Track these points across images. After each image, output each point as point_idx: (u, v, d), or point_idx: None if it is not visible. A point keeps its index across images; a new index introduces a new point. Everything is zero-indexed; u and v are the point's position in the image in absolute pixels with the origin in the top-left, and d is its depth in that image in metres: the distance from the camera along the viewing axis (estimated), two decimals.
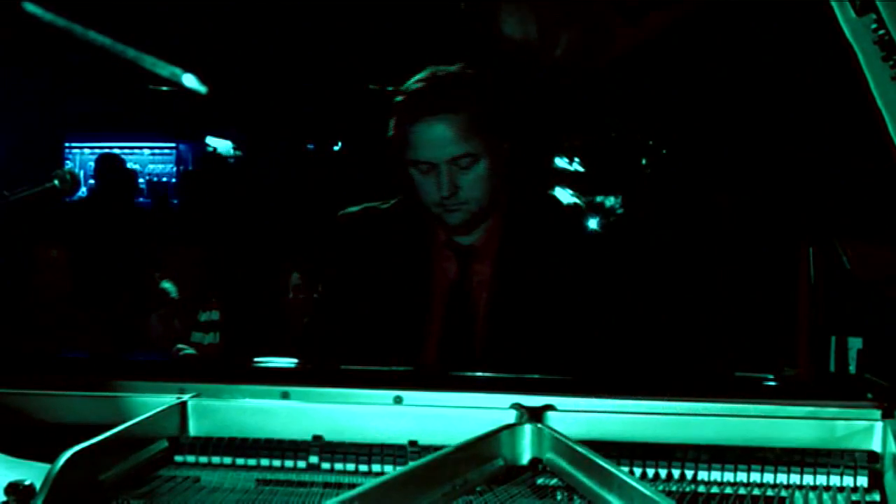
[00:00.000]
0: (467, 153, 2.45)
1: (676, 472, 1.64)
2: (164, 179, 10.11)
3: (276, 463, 1.72)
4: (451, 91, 2.49)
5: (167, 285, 4.64)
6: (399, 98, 2.55)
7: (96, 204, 6.98)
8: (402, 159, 2.52)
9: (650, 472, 1.65)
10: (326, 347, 2.58)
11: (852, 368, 2.90)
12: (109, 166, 7.28)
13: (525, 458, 1.65)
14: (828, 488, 1.59)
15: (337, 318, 2.61)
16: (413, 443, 1.72)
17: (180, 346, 4.37)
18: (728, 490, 1.60)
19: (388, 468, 1.68)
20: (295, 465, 1.71)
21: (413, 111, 2.48)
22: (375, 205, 2.66)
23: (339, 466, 1.70)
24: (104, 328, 4.54)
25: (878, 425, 1.68)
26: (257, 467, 1.71)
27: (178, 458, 1.73)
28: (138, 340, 4.53)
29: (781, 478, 1.62)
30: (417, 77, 2.56)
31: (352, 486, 1.57)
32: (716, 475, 1.63)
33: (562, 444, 1.62)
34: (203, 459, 1.72)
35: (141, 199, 9.99)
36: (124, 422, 1.66)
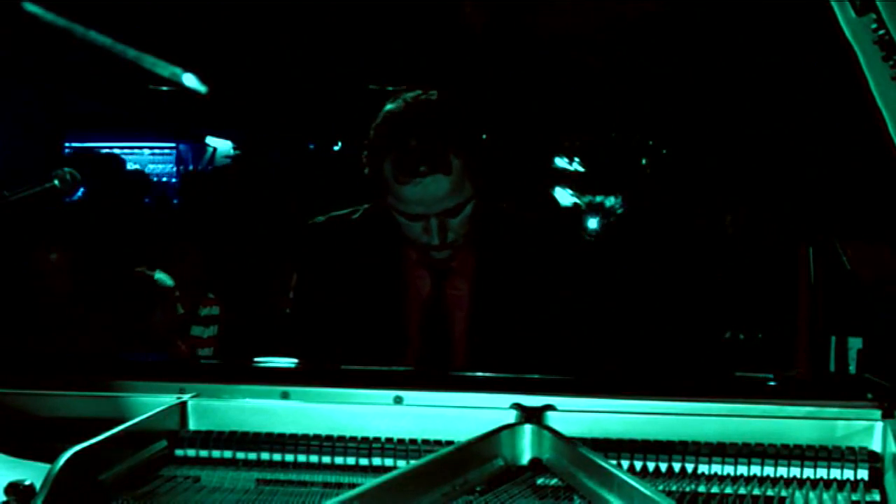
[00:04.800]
0: (459, 203, 2.32)
1: (677, 466, 1.64)
2: (164, 179, 10.13)
3: (277, 460, 1.71)
4: (442, 144, 2.27)
5: (160, 276, 4.64)
6: (377, 139, 2.33)
7: (96, 204, 6.98)
8: (382, 200, 2.37)
9: (650, 465, 1.65)
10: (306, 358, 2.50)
11: (852, 368, 2.90)
12: (107, 168, 7.26)
13: (525, 458, 1.65)
14: (828, 488, 1.59)
15: (310, 332, 2.50)
16: (413, 442, 1.73)
17: None
18: (728, 490, 1.60)
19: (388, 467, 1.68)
20: (295, 459, 1.71)
21: (401, 168, 2.27)
22: (343, 213, 2.50)
23: (339, 461, 1.70)
24: (106, 328, 4.55)
25: (878, 425, 1.68)
26: (257, 464, 1.71)
27: (179, 456, 1.73)
28: (142, 337, 4.54)
29: (781, 476, 1.63)
30: (393, 110, 2.33)
31: (352, 485, 1.57)
32: (716, 472, 1.64)
33: (562, 444, 1.62)
34: (203, 453, 1.72)
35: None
36: (124, 422, 1.66)
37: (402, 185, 2.28)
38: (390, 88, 2.45)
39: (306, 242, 2.55)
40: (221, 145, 10.49)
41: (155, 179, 10.27)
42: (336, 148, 9.18)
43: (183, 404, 1.80)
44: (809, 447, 1.64)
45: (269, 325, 4.55)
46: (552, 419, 1.72)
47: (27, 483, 1.44)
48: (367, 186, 2.40)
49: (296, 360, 2.20)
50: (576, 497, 1.57)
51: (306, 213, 2.59)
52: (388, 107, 2.36)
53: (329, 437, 1.73)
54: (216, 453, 1.72)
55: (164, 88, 8.13)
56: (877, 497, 1.58)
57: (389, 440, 1.72)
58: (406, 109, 2.33)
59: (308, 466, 1.71)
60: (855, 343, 2.91)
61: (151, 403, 1.77)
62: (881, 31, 1.58)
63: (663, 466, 1.65)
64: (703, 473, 1.64)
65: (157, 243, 5.29)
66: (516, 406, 1.75)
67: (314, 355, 2.46)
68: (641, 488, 1.44)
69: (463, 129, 2.35)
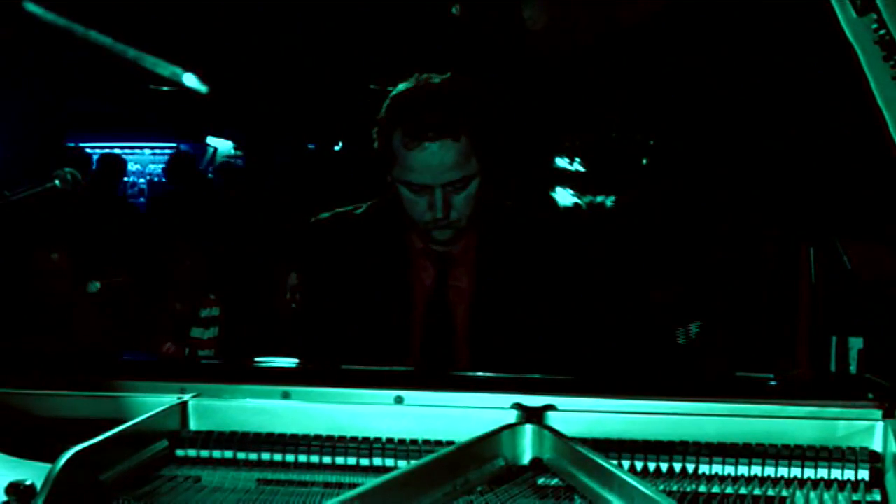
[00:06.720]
0: (464, 176, 2.38)
1: (678, 466, 1.65)
2: (165, 179, 10.10)
3: (278, 460, 1.72)
4: (452, 111, 2.36)
5: (92, 285, 4.67)
6: (388, 111, 2.42)
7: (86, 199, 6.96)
8: (388, 174, 2.43)
9: (651, 465, 1.65)
10: (313, 354, 2.51)
11: (853, 368, 2.90)
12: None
13: (526, 458, 1.65)
14: (828, 488, 1.59)
15: (317, 328, 2.53)
16: (414, 442, 1.73)
17: None
18: (729, 490, 1.60)
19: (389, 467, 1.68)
20: (296, 459, 1.71)
21: (410, 133, 2.35)
22: (348, 210, 2.56)
23: (340, 461, 1.70)
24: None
25: (879, 425, 1.68)
26: (258, 464, 1.71)
27: (179, 456, 1.73)
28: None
29: (782, 476, 1.63)
30: (406, 87, 2.43)
31: (353, 485, 1.57)
32: (717, 472, 1.64)
33: (562, 444, 1.62)
34: (204, 454, 1.72)
35: (142, 199, 10.01)
36: (125, 422, 1.66)
37: (409, 150, 2.35)
38: (391, 88, 2.47)
39: (311, 240, 2.59)
40: (222, 145, 10.49)
41: (156, 180, 10.28)
42: (337, 148, 9.18)
43: (184, 404, 1.80)
44: (810, 447, 1.64)
45: (269, 326, 4.55)
46: (553, 419, 1.72)
47: (28, 483, 1.44)
48: (376, 162, 2.45)
49: (296, 360, 2.21)
50: (576, 497, 1.57)
51: (307, 212, 2.61)
52: (401, 86, 2.45)
53: (330, 437, 1.73)
54: (217, 453, 1.72)
55: (165, 88, 8.14)
56: (877, 497, 1.58)
57: (390, 440, 1.72)
58: (417, 85, 2.44)
59: (309, 466, 1.71)
60: (856, 343, 2.91)
61: (152, 403, 1.77)
62: (882, 31, 1.58)
63: (664, 466, 1.65)
64: (703, 473, 1.64)
65: (156, 244, 5.30)
66: (517, 406, 1.75)
67: (323, 350, 2.49)
68: (642, 488, 1.44)
69: (471, 103, 2.43)
